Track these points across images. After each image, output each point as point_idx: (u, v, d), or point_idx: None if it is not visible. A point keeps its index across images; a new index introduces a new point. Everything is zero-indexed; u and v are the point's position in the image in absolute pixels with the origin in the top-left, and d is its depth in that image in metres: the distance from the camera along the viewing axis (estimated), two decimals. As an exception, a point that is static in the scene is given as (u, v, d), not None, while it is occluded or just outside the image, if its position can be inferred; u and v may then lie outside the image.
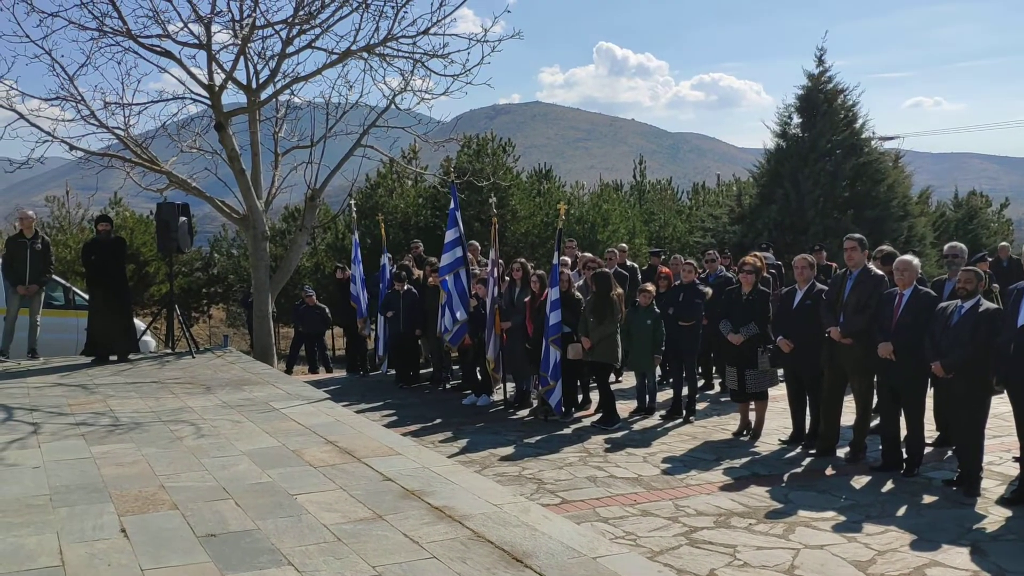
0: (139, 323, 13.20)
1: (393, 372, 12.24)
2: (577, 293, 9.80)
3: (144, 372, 10.57)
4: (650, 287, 9.73)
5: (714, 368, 11.34)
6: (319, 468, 6.09)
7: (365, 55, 12.32)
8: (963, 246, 8.15)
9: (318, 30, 12.13)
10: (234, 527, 4.84)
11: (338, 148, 13.44)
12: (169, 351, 12.77)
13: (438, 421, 9.42)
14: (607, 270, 9.89)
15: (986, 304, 6.64)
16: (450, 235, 10.52)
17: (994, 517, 6.06)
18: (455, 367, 12.19)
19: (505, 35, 9.25)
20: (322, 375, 13.92)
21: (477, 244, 12.93)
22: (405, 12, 11.98)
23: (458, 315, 10.44)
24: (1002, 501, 6.35)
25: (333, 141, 13.18)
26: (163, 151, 12.83)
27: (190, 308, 24.94)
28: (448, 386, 11.60)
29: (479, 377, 10.69)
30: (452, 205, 10.69)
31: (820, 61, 20.27)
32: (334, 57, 12.30)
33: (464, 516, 5.08)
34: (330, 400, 8.76)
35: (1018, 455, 6.72)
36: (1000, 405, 6.88)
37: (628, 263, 12.90)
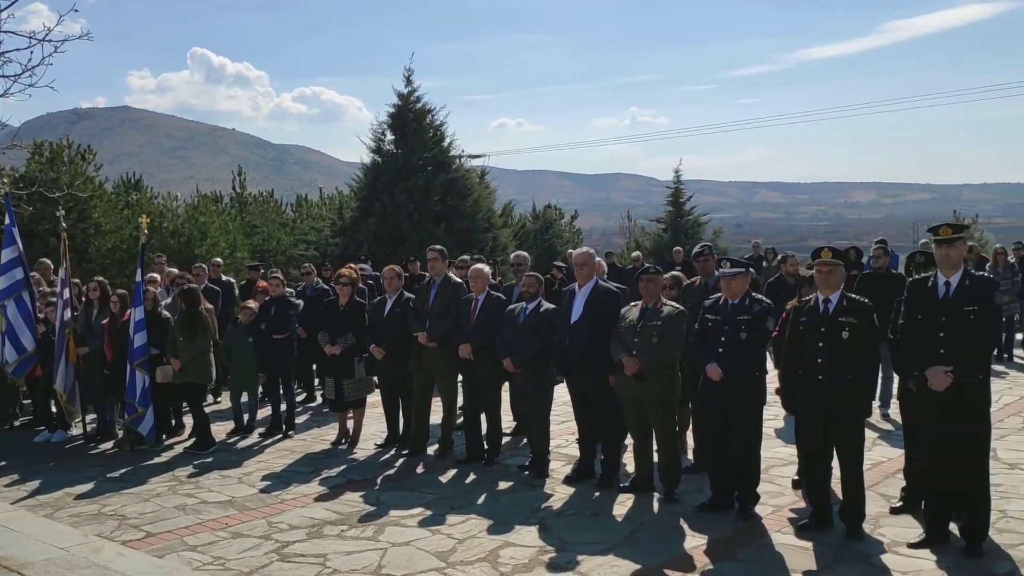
0: None
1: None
2: (164, 312, 9.27)
3: None
4: (252, 304, 9.54)
5: (316, 380, 11.36)
6: None
7: None
8: (527, 255, 9.07)
9: None
10: None
11: None
12: None
13: (2, 464, 8.33)
14: (195, 286, 9.47)
15: (546, 305, 7.44)
16: (7, 255, 9.25)
17: (560, 495, 6.79)
18: (26, 402, 10.85)
19: (72, 36, 8.29)
20: None
21: (49, 263, 11.65)
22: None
23: (25, 343, 9.29)
24: (567, 480, 7.12)
25: None
26: None
27: None
28: (17, 423, 10.29)
29: (53, 411, 9.63)
30: (8, 221, 9.46)
31: (408, 81, 21.27)
32: None
33: (23, 565, 4.59)
34: None
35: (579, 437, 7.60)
36: (565, 394, 7.71)
37: (224, 278, 12.47)
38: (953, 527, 5.45)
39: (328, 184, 32.53)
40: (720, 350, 6.05)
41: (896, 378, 6.60)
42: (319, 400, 10.96)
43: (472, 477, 7.36)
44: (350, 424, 8.77)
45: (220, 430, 9.22)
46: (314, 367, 11.03)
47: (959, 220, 30.61)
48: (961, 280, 5.26)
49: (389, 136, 21.30)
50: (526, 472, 7.37)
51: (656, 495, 6.61)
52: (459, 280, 8.20)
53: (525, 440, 8.19)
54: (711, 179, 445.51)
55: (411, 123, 20.95)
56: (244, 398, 9.47)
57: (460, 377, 8.11)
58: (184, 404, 9.31)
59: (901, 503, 6.10)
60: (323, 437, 9.06)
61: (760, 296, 6.32)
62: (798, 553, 5.38)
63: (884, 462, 7.31)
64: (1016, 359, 12.81)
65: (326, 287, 11.00)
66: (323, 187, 32.04)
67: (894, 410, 8.30)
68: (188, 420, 9.16)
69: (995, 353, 12.43)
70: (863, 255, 10.79)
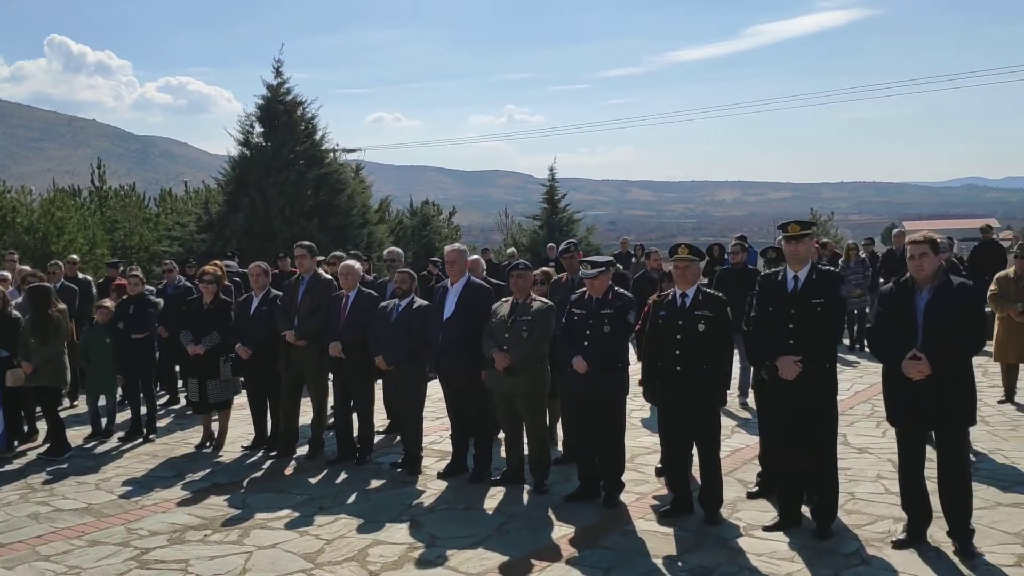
0: None
1: None
2: (15, 312, 8.75)
3: None
4: (108, 302, 9.14)
5: (180, 381, 10.97)
6: None
7: None
8: (400, 251, 9.02)
9: None
10: None
11: None
12: None
13: None
14: (46, 284, 8.98)
15: (419, 302, 7.43)
16: None
17: (432, 491, 6.79)
18: None
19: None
20: None
21: None
22: None
23: None
24: (440, 476, 7.12)
25: None
26: None
27: None
28: None
29: None
30: None
31: (278, 72, 20.76)
32: None
33: None
34: None
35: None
36: (438, 390, 7.71)
37: (81, 276, 11.87)
38: (805, 510, 5.75)
39: (195, 177, 31.35)
40: (585, 343, 6.20)
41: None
42: (182, 402, 10.58)
43: (343, 477, 7.28)
44: (215, 427, 8.51)
45: (77, 435, 8.79)
46: (177, 368, 10.64)
47: (816, 218, 32.28)
48: (809, 274, 5.54)
49: (258, 128, 20.74)
50: (398, 470, 7.34)
51: (527, 487, 6.71)
52: (329, 277, 8.08)
53: (398, 438, 8.16)
54: (585, 177, 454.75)
55: (281, 115, 20.47)
56: (102, 401, 9.06)
57: (331, 376, 8.00)
58: (37, 409, 8.82)
59: (757, 488, 6.39)
60: (187, 440, 8.76)
61: (622, 291, 6.51)
62: (659, 538, 5.57)
63: (742, 449, 7.65)
64: (867, 349, 13.60)
65: (189, 285, 10.64)
66: (189, 180, 30.88)
67: (752, 399, 8.68)
68: (42, 425, 8.69)
69: (848, 343, 13.23)
70: (724, 251, 11.24)
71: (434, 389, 7.81)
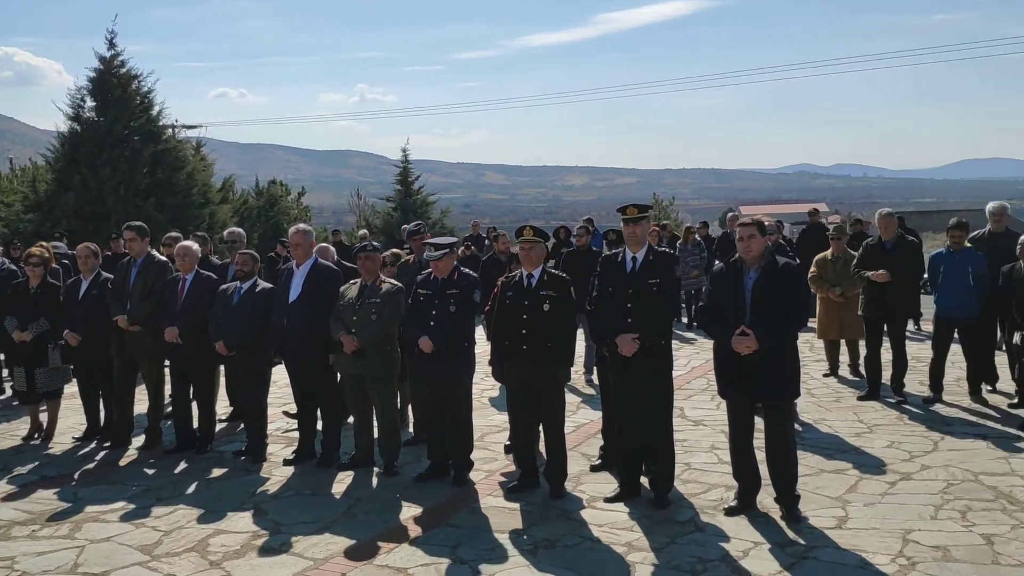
0: None
1: None
2: None
3: None
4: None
5: (6, 370, 10.26)
6: None
7: None
8: (241, 231, 8.74)
9: None
10: None
11: None
12: None
13: None
14: None
15: (262, 284, 7.24)
16: None
17: (277, 478, 6.64)
18: None
19: None
20: None
21: None
22: None
23: None
24: (286, 462, 6.97)
25: None
26: None
27: None
28: None
29: None
30: None
31: (112, 44, 19.67)
32: None
33: None
34: None
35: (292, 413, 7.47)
36: (284, 376, 7.54)
37: None
38: (645, 480, 6.00)
39: (22, 154, 29.28)
40: (432, 323, 6.22)
41: (596, 346, 7.12)
42: (8, 392, 9.91)
43: (183, 467, 7.01)
44: (44, 417, 8.02)
45: None
46: (1, 356, 9.94)
47: (658, 202, 33.52)
48: (646, 255, 5.76)
49: (90, 103, 19.61)
50: (242, 458, 7.14)
51: (376, 470, 6.68)
52: (164, 259, 7.74)
53: (242, 425, 7.94)
54: (440, 159, 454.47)
55: (115, 89, 19.41)
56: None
57: (168, 362, 7.68)
58: None
59: (600, 461, 6.61)
60: (13, 432, 8.21)
61: (468, 271, 6.56)
62: (506, 514, 5.67)
63: (586, 424, 7.89)
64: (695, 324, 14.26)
65: (14, 268, 9.95)
66: (14, 158, 28.82)
67: (596, 375, 8.96)
68: None
69: (686, 322, 13.83)
70: (570, 234, 11.52)
71: (280, 374, 7.64)
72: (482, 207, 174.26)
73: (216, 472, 6.83)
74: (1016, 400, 8.10)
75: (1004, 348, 8.58)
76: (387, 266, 7.30)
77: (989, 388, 8.65)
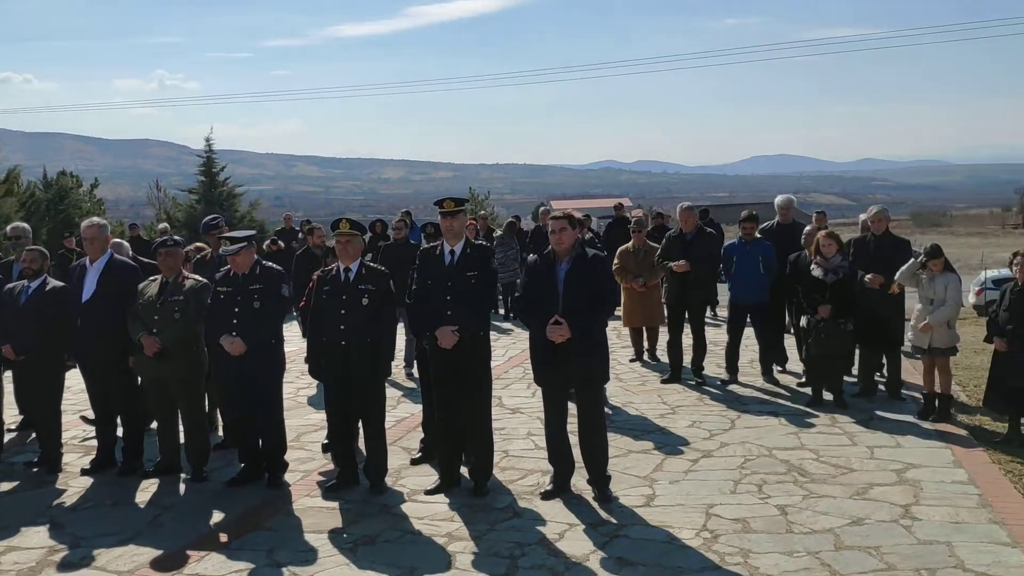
0: None
1: None
2: None
3: None
4: None
5: None
6: None
7: None
8: (26, 226, 8.07)
9: None
10: None
11: None
12: None
13: None
14: None
15: (53, 283, 6.72)
16: None
17: (75, 489, 6.21)
18: None
19: None
20: None
21: None
22: None
23: None
24: (84, 472, 6.51)
25: None
26: None
27: None
28: None
29: None
30: None
31: None
32: None
33: None
34: None
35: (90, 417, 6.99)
36: (79, 380, 7.05)
37: None
38: (464, 471, 6.06)
39: None
40: (235, 321, 5.99)
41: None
42: None
43: (-36, 482, 6.42)
44: None
45: None
46: None
47: (475, 196, 33.88)
48: (464, 248, 5.82)
49: None
50: (34, 469, 6.62)
51: (183, 476, 6.37)
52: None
53: (33, 435, 7.35)
54: (248, 150, 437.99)
55: None
56: None
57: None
58: None
59: (420, 454, 6.62)
60: None
61: (272, 264, 6.35)
62: (325, 514, 5.57)
63: (407, 418, 7.87)
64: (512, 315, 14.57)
65: None
66: None
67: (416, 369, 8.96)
68: None
69: (503, 313, 14.08)
70: (387, 227, 11.44)
71: (74, 378, 7.13)
72: (295, 199, 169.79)
73: (5, 486, 6.31)
74: (803, 379, 8.80)
75: (792, 331, 9.29)
76: (189, 262, 6.98)
77: (780, 368, 9.36)
